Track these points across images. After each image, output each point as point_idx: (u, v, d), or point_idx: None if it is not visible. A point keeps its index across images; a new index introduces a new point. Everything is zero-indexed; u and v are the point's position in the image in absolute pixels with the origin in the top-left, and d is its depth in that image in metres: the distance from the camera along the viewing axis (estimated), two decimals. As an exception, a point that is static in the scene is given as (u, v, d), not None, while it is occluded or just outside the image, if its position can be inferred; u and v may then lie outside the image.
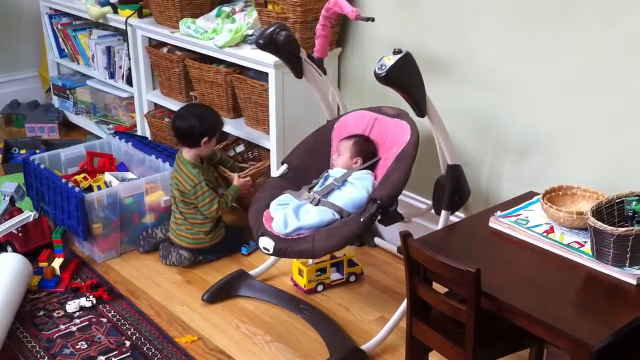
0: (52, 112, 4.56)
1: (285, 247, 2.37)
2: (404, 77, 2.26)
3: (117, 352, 2.51)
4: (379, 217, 2.37)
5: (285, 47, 2.60)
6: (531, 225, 2.12)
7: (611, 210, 1.98)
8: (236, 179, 3.09)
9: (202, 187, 2.93)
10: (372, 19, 2.55)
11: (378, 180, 2.54)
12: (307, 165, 2.71)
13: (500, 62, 2.64)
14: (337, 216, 2.45)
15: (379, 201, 2.34)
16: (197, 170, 2.95)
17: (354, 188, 2.53)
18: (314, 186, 2.61)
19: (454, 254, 1.92)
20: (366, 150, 2.64)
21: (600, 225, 1.86)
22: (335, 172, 2.62)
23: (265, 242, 2.40)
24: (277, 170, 2.81)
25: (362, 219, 2.34)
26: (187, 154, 2.98)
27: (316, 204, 2.50)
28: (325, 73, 2.81)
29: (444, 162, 2.62)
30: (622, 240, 1.84)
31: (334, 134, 2.77)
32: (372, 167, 2.63)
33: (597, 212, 1.94)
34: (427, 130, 2.61)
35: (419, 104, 2.33)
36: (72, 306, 2.74)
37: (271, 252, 2.38)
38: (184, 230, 3.01)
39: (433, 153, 2.69)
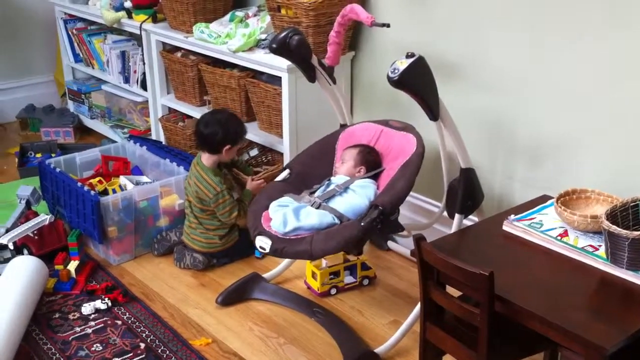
0: (68, 117, 4.59)
1: (282, 247, 2.36)
2: (417, 80, 2.26)
3: (132, 354, 2.53)
4: (379, 225, 2.33)
5: (298, 51, 2.61)
6: (545, 228, 2.12)
7: (626, 214, 1.97)
8: (249, 183, 3.10)
9: (223, 195, 2.93)
10: (388, 25, 2.54)
11: (380, 190, 2.53)
12: (310, 171, 2.71)
13: (511, 66, 2.63)
14: (336, 221, 2.44)
15: (380, 207, 2.33)
16: (219, 179, 2.95)
17: (356, 195, 2.52)
18: (315, 191, 2.61)
19: (468, 258, 1.92)
20: (370, 160, 2.64)
21: (614, 228, 1.85)
22: (338, 179, 2.62)
23: (262, 242, 2.39)
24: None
25: (362, 224, 2.33)
26: (206, 160, 2.98)
27: (317, 208, 2.49)
28: (334, 82, 2.80)
29: (449, 167, 2.61)
30: (637, 244, 1.83)
31: (339, 144, 2.77)
32: (375, 178, 2.62)
33: (612, 216, 1.94)
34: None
35: (432, 107, 2.33)
36: (87, 308, 2.76)
37: (267, 251, 2.37)
38: (198, 234, 3.02)
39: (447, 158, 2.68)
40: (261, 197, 2.63)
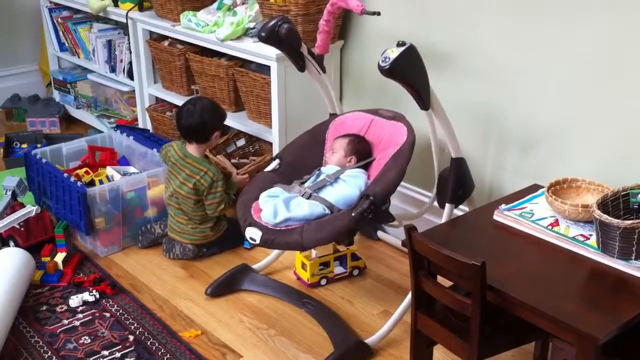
0: (53, 106, 4.55)
1: (273, 238, 2.34)
2: (408, 69, 2.25)
3: (120, 346, 2.51)
4: (370, 215, 2.31)
5: (287, 40, 2.59)
6: (536, 218, 2.11)
7: (617, 203, 1.97)
8: (234, 176, 3.08)
9: (217, 185, 2.91)
10: (378, 13, 2.52)
11: (371, 180, 2.51)
12: (300, 161, 2.69)
13: (502, 56, 2.62)
14: (327, 211, 2.42)
15: (371, 197, 2.31)
16: (214, 167, 2.93)
17: (347, 185, 2.50)
18: (305, 181, 2.59)
19: (459, 248, 1.91)
20: (361, 150, 2.62)
21: (605, 218, 1.85)
22: (328, 169, 2.60)
23: (253, 233, 2.37)
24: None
25: (353, 214, 2.31)
26: (195, 151, 2.95)
27: (307, 198, 2.47)
28: (324, 71, 2.78)
29: (440, 157, 2.60)
30: (628, 233, 1.83)
31: (329, 133, 2.75)
32: (365, 168, 2.61)
33: (603, 205, 1.94)
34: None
35: (423, 96, 2.32)
36: (75, 301, 2.74)
37: (258, 242, 2.35)
38: (189, 229, 2.99)
39: (438, 147, 2.67)
40: (251, 187, 2.60)
